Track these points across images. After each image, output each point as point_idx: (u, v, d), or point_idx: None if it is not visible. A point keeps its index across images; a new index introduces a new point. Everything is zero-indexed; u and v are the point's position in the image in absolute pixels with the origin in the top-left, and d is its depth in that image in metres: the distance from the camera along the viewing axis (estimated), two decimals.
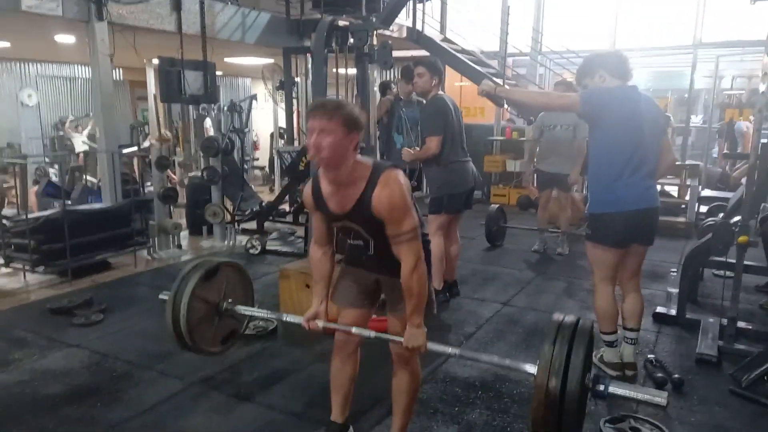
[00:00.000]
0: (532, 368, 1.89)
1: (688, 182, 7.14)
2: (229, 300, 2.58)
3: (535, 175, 5.93)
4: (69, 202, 5.80)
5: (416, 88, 4.23)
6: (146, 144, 8.58)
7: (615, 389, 1.90)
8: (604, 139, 2.90)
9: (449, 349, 2.17)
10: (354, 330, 2.21)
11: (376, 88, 5.50)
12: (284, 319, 2.53)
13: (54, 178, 8.01)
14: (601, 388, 1.86)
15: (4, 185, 6.86)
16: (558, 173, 5.47)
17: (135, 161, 6.50)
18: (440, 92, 4.12)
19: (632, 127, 2.84)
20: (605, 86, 2.93)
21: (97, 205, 5.67)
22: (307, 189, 2.18)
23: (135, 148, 8.22)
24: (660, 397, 1.90)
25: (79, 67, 11.36)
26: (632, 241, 2.98)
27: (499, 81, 7.75)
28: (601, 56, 2.98)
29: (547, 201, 5.84)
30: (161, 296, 2.58)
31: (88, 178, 7.84)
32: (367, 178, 2.01)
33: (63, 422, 2.66)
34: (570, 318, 1.92)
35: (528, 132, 9.58)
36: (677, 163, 4.69)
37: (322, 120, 1.93)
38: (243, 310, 2.61)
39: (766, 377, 2.97)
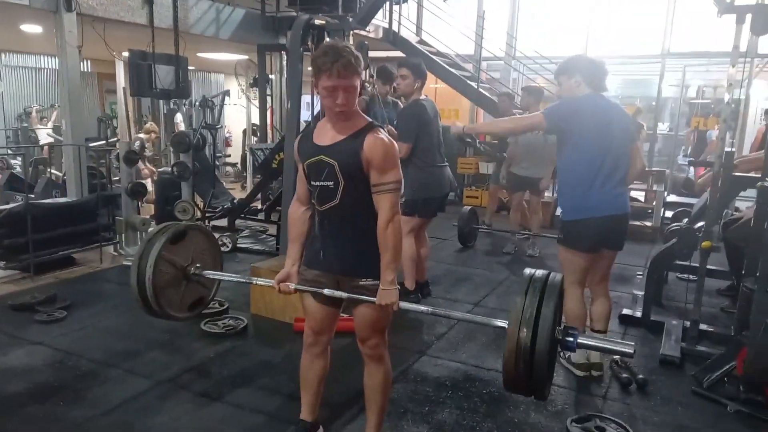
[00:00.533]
0: (503, 322, 1.94)
1: (655, 188, 7.32)
2: (197, 265, 2.53)
3: (508, 179, 6.02)
4: (32, 196, 5.63)
5: (398, 90, 4.22)
6: (136, 136, 8.43)
7: (584, 340, 1.92)
8: (573, 149, 2.97)
9: (421, 307, 2.19)
10: (326, 291, 2.15)
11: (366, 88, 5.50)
12: (254, 282, 2.51)
13: (18, 170, 7.78)
14: (570, 339, 1.88)
15: None
16: (530, 177, 5.57)
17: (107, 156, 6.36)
18: (422, 97, 4.12)
19: (602, 135, 2.90)
20: (571, 96, 3.00)
21: (61, 200, 5.53)
22: (296, 142, 2.21)
23: (103, 142, 8.04)
24: (627, 347, 1.92)
25: (46, 57, 11.07)
26: (603, 246, 3.05)
27: (474, 84, 7.84)
28: (584, 62, 3.02)
29: (519, 203, 5.94)
30: (125, 262, 2.52)
31: (53, 171, 7.63)
32: (364, 124, 2.07)
33: (26, 421, 2.58)
34: (541, 272, 1.95)
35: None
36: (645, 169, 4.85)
37: (347, 77, 1.94)
38: (211, 274, 2.55)
39: (726, 378, 3.06)
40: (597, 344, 2.03)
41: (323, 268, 2.18)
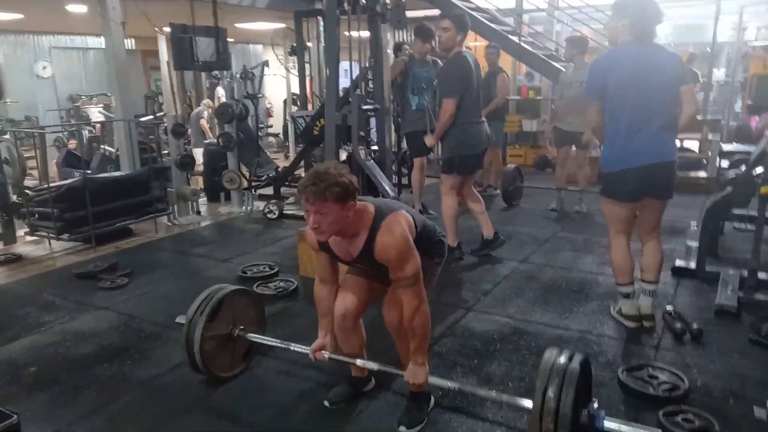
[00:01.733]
0: (528, 403, 2.00)
1: (710, 137, 7.01)
2: (240, 327, 2.68)
3: (553, 134, 5.91)
4: (89, 172, 5.87)
5: (440, 44, 4.17)
6: (199, 108, 8.98)
7: (609, 424, 1.95)
8: (609, 100, 2.91)
9: (449, 383, 2.30)
10: (359, 362, 2.35)
11: (389, 51, 5.42)
12: (292, 348, 2.62)
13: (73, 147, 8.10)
14: (597, 424, 1.93)
15: (24, 156, 6.96)
16: (575, 131, 5.43)
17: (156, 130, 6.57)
18: (463, 49, 4.04)
19: (637, 84, 2.82)
20: (594, 65, 3.00)
21: (116, 174, 5.74)
22: (310, 232, 2.15)
23: (151, 117, 8.26)
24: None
25: (92, 38, 11.36)
26: (644, 195, 2.97)
27: (515, 39, 7.59)
28: (641, 6, 2.87)
29: (565, 159, 5.82)
30: (178, 320, 2.69)
31: (106, 147, 7.91)
32: (369, 226, 2.07)
33: (95, 381, 2.75)
34: (563, 355, 1.95)
35: (545, 91, 9.44)
36: (699, 117, 4.63)
37: (316, 202, 1.95)
38: (253, 338, 2.71)
39: None
40: (624, 428, 1.98)
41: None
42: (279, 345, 2.70)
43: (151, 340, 3.17)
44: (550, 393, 1.84)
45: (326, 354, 2.35)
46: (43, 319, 3.47)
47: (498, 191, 6.42)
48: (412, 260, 2.06)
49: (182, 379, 2.73)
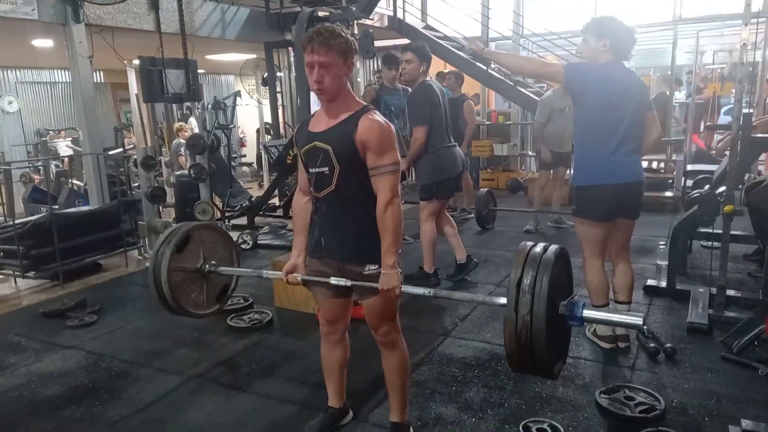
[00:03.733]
0: (504, 300, 1.85)
1: (674, 157, 7.21)
2: (212, 262, 2.59)
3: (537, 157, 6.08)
4: (56, 207, 5.75)
5: (404, 75, 4.23)
6: (177, 140, 8.55)
7: (590, 314, 1.86)
8: (586, 116, 2.94)
9: (423, 291, 2.14)
10: (332, 280, 2.14)
11: (359, 79, 5.50)
12: (264, 275, 2.55)
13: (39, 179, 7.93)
14: (577, 314, 1.83)
15: None
16: (568, 152, 5.53)
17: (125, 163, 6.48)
18: (427, 79, 4.12)
19: (616, 103, 2.86)
20: (590, 64, 2.97)
21: (84, 208, 5.63)
22: (296, 129, 2.23)
23: (120, 150, 8.16)
24: (636, 319, 1.85)
25: (59, 71, 11.23)
26: (618, 214, 3.01)
27: (483, 67, 7.76)
28: (617, 26, 2.91)
29: (546, 181, 5.94)
30: (148, 264, 2.60)
31: (74, 182, 7.77)
32: (357, 108, 2.05)
33: (63, 423, 2.65)
34: (539, 245, 1.87)
35: (514, 115, 9.62)
36: (662, 138, 4.76)
37: (320, 53, 1.94)
38: (224, 271, 2.60)
39: (756, 342, 3.02)
40: (604, 317, 1.98)
41: (324, 255, 2.17)
42: (252, 274, 2.66)
43: (121, 378, 3.08)
44: (525, 284, 1.73)
45: (299, 276, 2.23)
46: (8, 360, 3.34)
47: (471, 215, 6.48)
48: (393, 147, 2.03)
49: (153, 418, 2.65)
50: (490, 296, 2.07)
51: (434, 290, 2.16)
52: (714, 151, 7.61)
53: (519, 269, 1.77)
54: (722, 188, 3.63)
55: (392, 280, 2.02)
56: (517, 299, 1.74)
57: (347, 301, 2.30)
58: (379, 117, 2.04)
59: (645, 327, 3.29)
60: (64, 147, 10.26)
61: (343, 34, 1.98)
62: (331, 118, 2.07)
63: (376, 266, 2.06)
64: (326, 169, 2.06)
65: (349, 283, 2.12)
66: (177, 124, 8.70)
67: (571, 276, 1.97)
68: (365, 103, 2.12)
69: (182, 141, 8.30)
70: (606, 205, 2.94)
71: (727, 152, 3.79)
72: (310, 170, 2.13)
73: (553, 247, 1.85)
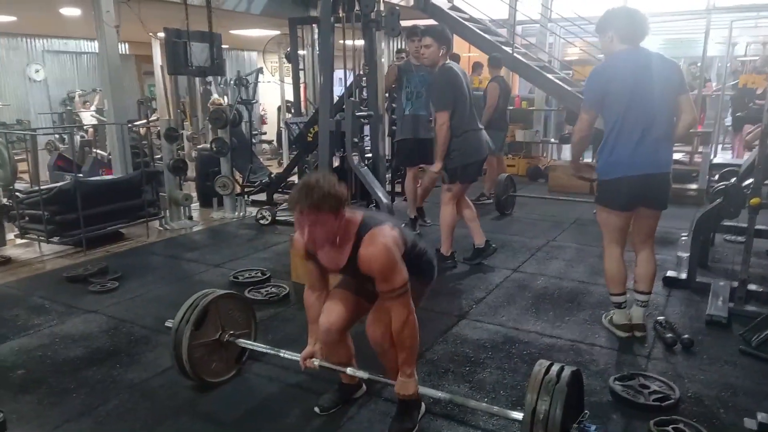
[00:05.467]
0: (518, 415, 2.01)
1: (700, 149, 7.09)
2: (230, 332, 2.66)
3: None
4: (80, 175, 5.84)
5: (424, 60, 4.20)
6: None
7: None
8: (608, 107, 2.92)
9: (439, 394, 2.29)
10: (349, 371, 2.33)
11: (383, 59, 5.43)
12: (282, 355, 2.60)
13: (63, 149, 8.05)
14: None
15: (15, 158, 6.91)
16: None
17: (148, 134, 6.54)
18: (448, 62, 4.08)
19: (634, 92, 2.82)
20: (594, 72, 2.98)
21: (108, 177, 5.71)
22: (298, 240, 2.14)
23: (144, 121, 8.24)
24: None
25: (86, 42, 11.32)
26: (639, 204, 2.98)
27: (508, 50, 7.66)
28: (618, 15, 2.91)
29: None
30: (167, 324, 2.65)
31: (98, 151, 7.88)
32: (353, 238, 2.05)
33: (84, 383, 2.73)
34: (553, 369, 1.96)
35: (538, 101, 9.51)
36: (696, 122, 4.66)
37: (310, 215, 1.94)
38: (242, 343, 2.70)
39: None
40: None
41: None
42: (269, 351, 2.68)
43: (141, 343, 3.14)
44: (541, 408, 1.85)
45: (316, 362, 2.34)
46: (32, 322, 3.43)
47: (490, 200, 6.45)
48: (397, 271, 2.03)
49: (171, 382, 2.71)
50: (505, 410, 2.20)
51: (450, 396, 2.32)
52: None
53: (534, 394, 1.89)
54: (749, 180, 3.56)
55: (409, 388, 2.18)
56: (532, 421, 1.86)
57: (361, 302, 2.33)
58: (369, 245, 2.00)
59: (662, 317, 3.28)
60: (88, 117, 10.38)
61: (332, 191, 1.95)
62: (338, 255, 2.11)
63: None
64: (353, 281, 2.27)
65: (366, 376, 2.30)
66: (214, 97, 8.64)
67: (582, 394, 2.09)
68: (357, 222, 2.07)
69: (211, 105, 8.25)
70: (626, 196, 2.93)
71: (756, 144, 3.72)
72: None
73: (567, 371, 1.95)
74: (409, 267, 2.11)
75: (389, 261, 2.01)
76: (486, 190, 6.82)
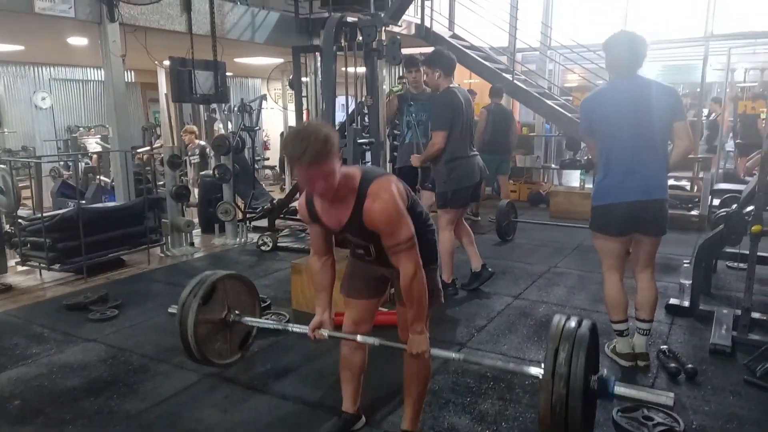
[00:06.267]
0: (537, 370, 1.97)
1: (701, 175, 7.10)
2: (236, 312, 2.62)
3: None
4: (83, 202, 5.87)
5: (429, 85, 4.29)
6: (200, 144, 8.57)
7: (621, 389, 1.93)
8: (598, 134, 2.98)
9: (453, 354, 2.25)
10: (359, 338, 2.28)
11: (385, 86, 5.50)
12: (290, 329, 2.56)
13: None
14: (608, 389, 1.91)
15: (19, 186, 6.96)
16: None
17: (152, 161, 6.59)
18: (452, 85, 4.11)
19: (626, 117, 2.85)
20: (587, 98, 3.07)
21: (111, 204, 5.73)
22: (301, 203, 2.17)
23: (148, 148, 8.31)
24: (666, 396, 1.90)
25: (92, 70, 11.50)
26: (634, 230, 2.99)
27: (508, 77, 7.75)
28: (606, 45, 2.96)
29: None
30: (170, 310, 2.63)
31: (102, 178, 7.93)
32: (356, 192, 1.99)
33: (81, 414, 2.70)
34: (572, 321, 1.94)
35: (537, 128, 9.58)
36: (690, 156, 4.68)
37: (311, 169, 1.87)
38: (249, 321, 2.65)
39: None
40: (635, 394, 2.00)
41: (370, 264, 2.25)
42: (278, 327, 2.65)
43: (140, 373, 3.12)
44: (561, 357, 1.82)
45: (325, 332, 2.28)
46: (31, 350, 3.42)
47: (478, 219, 6.60)
48: (403, 224, 1.98)
49: (169, 413, 2.68)
50: (522, 365, 2.18)
51: (463, 354, 2.28)
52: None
53: (555, 342, 1.87)
54: (750, 207, 3.56)
55: (421, 344, 2.12)
56: (554, 371, 1.83)
57: (376, 304, 2.35)
58: (374, 198, 1.96)
59: (666, 346, 3.25)
60: (93, 144, 10.49)
61: (322, 136, 1.86)
62: (339, 214, 2.06)
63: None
64: (362, 250, 2.19)
65: (377, 342, 2.25)
66: (188, 127, 8.68)
67: (598, 351, 2.08)
68: (358, 175, 2.02)
69: (203, 143, 8.35)
70: (618, 222, 2.94)
71: (756, 171, 3.72)
72: (346, 244, 2.24)
73: (587, 323, 1.94)
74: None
75: (395, 213, 1.97)
76: (471, 209, 6.82)
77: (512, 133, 7.28)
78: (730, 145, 9.56)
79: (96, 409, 2.75)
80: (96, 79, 11.57)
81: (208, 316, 2.49)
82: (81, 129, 11.12)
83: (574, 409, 1.80)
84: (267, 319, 3.78)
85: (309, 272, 3.86)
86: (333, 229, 2.15)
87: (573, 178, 9.42)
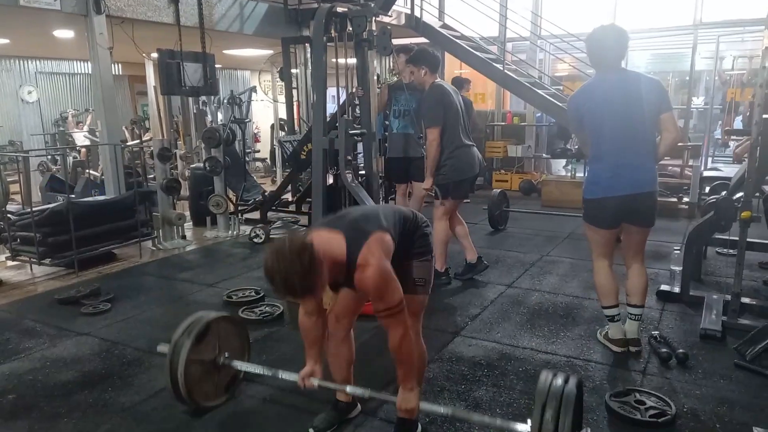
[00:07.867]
0: (524, 427, 1.98)
1: (691, 162, 7.15)
2: (225, 354, 2.63)
3: None
4: (73, 196, 5.82)
5: (415, 82, 4.29)
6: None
7: None
8: (587, 129, 3.01)
9: (441, 409, 2.23)
10: (348, 389, 2.34)
11: (375, 77, 5.48)
12: (280, 376, 2.54)
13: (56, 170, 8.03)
14: None
15: (8, 180, 6.89)
16: None
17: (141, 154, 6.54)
18: (437, 80, 4.15)
19: (611, 111, 2.88)
20: (575, 93, 3.11)
21: (100, 198, 5.69)
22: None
23: (137, 141, 8.24)
24: None
25: (79, 63, 11.37)
26: (624, 221, 3.03)
27: (499, 66, 7.74)
28: (591, 39, 2.98)
29: None
30: (159, 348, 2.62)
31: (91, 172, 7.86)
32: (345, 267, 2.00)
33: (76, 408, 2.69)
34: (559, 378, 1.95)
35: (528, 117, 9.60)
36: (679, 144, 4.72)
37: (303, 297, 1.94)
38: (239, 365, 2.66)
39: None
40: None
41: None
42: (266, 373, 2.65)
43: (134, 366, 3.11)
44: (548, 416, 1.83)
45: (315, 381, 2.31)
46: (24, 345, 3.40)
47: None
48: (391, 291, 2.01)
49: (164, 405, 2.68)
50: (509, 422, 2.14)
51: (452, 410, 2.23)
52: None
53: (542, 398, 1.88)
54: (740, 194, 3.59)
55: (410, 402, 2.15)
56: (540, 429, 1.84)
57: (362, 297, 2.33)
58: (362, 270, 1.96)
59: (657, 332, 3.29)
60: (81, 137, 10.39)
61: (299, 269, 1.79)
62: (331, 284, 2.09)
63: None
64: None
65: (367, 395, 2.27)
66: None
67: (582, 405, 2.08)
68: (343, 249, 1.99)
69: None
70: (609, 215, 2.99)
71: (746, 157, 3.76)
72: None
73: (573, 380, 1.94)
74: (402, 247, 2.15)
75: (382, 283, 2.00)
76: None
77: (475, 126, 7.29)
78: (718, 133, 9.64)
79: (90, 402, 2.74)
80: (83, 72, 11.44)
81: (199, 355, 2.50)
82: (69, 117, 10.95)
83: None
84: (261, 309, 3.80)
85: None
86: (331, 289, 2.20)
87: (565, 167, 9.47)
